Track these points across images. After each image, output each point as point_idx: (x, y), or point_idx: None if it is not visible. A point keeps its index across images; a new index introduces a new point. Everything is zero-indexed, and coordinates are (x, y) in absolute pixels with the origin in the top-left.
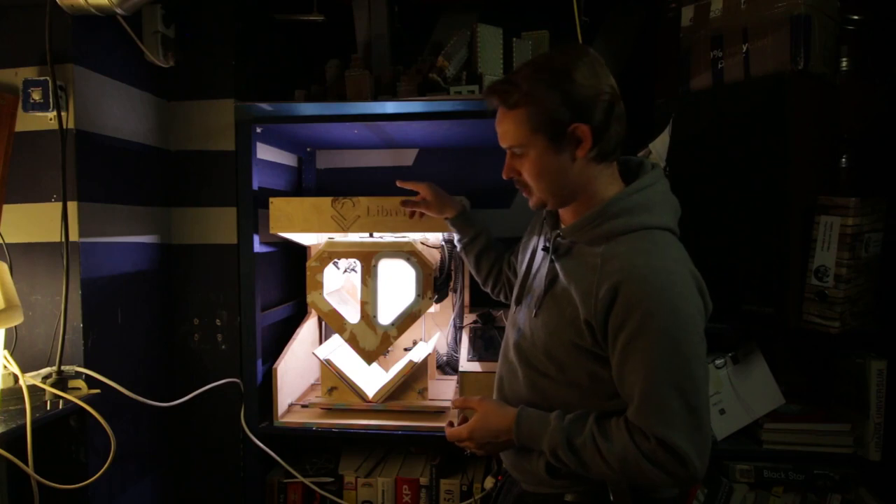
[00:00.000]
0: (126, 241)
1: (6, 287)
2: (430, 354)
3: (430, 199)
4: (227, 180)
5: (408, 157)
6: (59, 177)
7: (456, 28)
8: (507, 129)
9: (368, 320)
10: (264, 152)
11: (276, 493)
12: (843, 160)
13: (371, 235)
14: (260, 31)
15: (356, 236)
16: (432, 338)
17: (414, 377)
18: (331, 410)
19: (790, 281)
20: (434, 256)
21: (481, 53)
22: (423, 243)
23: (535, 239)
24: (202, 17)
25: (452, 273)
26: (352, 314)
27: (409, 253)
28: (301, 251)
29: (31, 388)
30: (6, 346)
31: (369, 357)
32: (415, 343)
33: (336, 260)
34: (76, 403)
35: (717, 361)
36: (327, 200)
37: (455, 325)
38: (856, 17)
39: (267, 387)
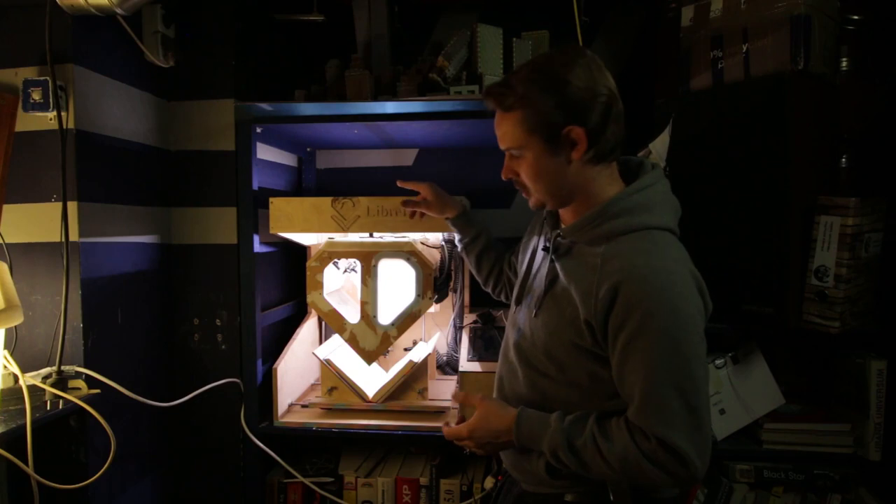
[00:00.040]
0: (126, 241)
1: (6, 287)
2: (430, 354)
3: (431, 199)
4: (227, 180)
5: (408, 157)
6: (59, 177)
7: (456, 28)
8: (504, 132)
9: (368, 320)
10: (264, 152)
11: (276, 493)
12: (843, 160)
13: (371, 235)
14: (260, 31)
15: (356, 236)
16: (432, 338)
17: (414, 377)
18: (331, 410)
19: (790, 281)
20: (434, 256)
21: (481, 53)
22: (423, 243)
23: (535, 239)
24: (202, 17)
25: (452, 273)
26: (352, 314)
27: (409, 253)
28: (301, 251)
29: (31, 388)
30: (6, 346)
31: (369, 357)
32: (415, 343)
33: (336, 260)
34: (76, 403)
35: (717, 361)
36: (327, 200)
37: (455, 325)
38: (856, 17)
39: (267, 387)
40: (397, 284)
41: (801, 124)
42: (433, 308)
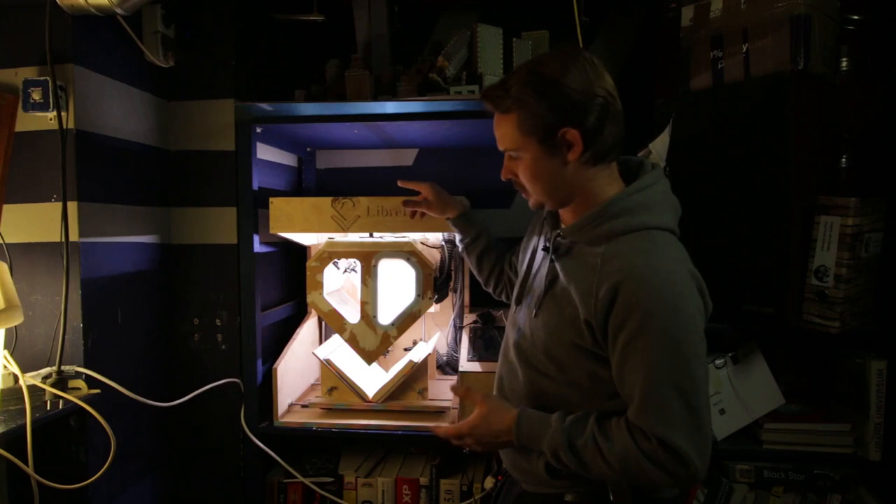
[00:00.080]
0: (126, 241)
1: (6, 287)
2: (430, 354)
3: (432, 199)
4: (227, 180)
5: (408, 157)
6: (59, 177)
7: (456, 28)
8: (502, 133)
9: (368, 320)
10: (264, 152)
11: (276, 493)
12: (843, 160)
13: (371, 235)
14: (260, 31)
15: (356, 236)
16: (432, 338)
17: (414, 377)
18: (331, 410)
19: (790, 281)
20: (434, 256)
21: (481, 53)
22: (423, 243)
23: (535, 239)
24: (202, 17)
25: (452, 273)
26: (352, 314)
27: (409, 253)
28: (301, 251)
29: (31, 388)
30: (6, 346)
31: (369, 357)
32: (415, 343)
33: (336, 260)
34: (76, 403)
35: (717, 361)
36: (327, 200)
37: (455, 325)
38: (856, 17)
39: (267, 387)
40: (397, 284)
41: (801, 124)
42: (433, 308)
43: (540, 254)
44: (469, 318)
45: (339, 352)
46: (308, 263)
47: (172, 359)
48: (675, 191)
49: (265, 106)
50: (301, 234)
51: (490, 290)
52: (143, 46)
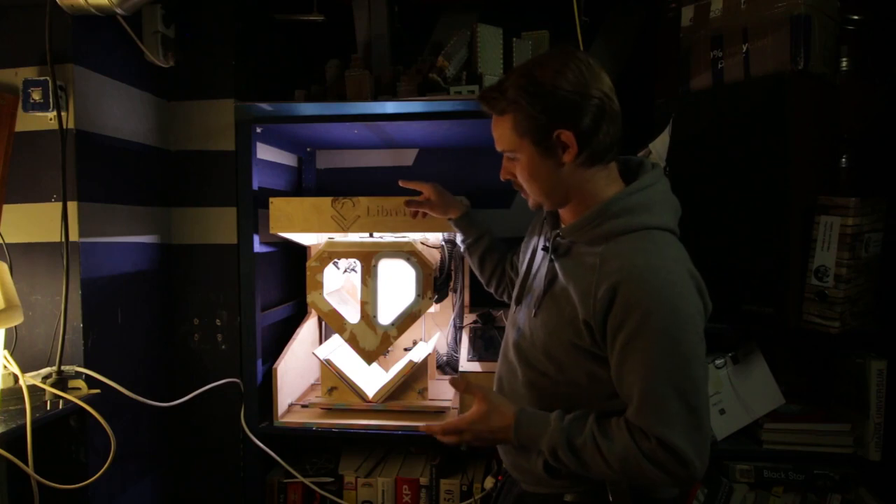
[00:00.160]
0: (126, 241)
1: (6, 287)
2: (430, 354)
3: (435, 199)
4: (227, 180)
5: (408, 157)
6: (59, 177)
7: (456, 28)
8: (499, 135)
9: (368, 320)
10: (264, 152)
11: (276, 493)
12: (843, 160)
13: (371, 235)
14: (260, 31)
15: (356, 236)
16: (432, 338)
17: (414, 377)
18: (331, 410)
19: (790, 281)
20: (434, 256)
21: (481, 53)
22: (423, 243)
23: (535, 239)
24: (202, 17)
25: (452, 273)
26: (352, 314)
27: (409, 253)
28: (301, 251)
29: (31, 388)
30: (6, 346)
31: (369, 357)
32: (415, 343)
33: (336, 260)
34: (76, 403)
35: (717, 361)
36: (327, 200)
37: (455, 325)
38: (856, 17)
39: (267, 387)
40: (397, 284)
41: (801, 124)
42: (433, 308)
43: (540, 254)
44: (469, 318)
45: (339, 352)
46: (308, 263)
47: (172, 359)
48: (675, 191)
49: (265, 106)
50: (301, 234)
51: (492, 290)
52: (143, 46)
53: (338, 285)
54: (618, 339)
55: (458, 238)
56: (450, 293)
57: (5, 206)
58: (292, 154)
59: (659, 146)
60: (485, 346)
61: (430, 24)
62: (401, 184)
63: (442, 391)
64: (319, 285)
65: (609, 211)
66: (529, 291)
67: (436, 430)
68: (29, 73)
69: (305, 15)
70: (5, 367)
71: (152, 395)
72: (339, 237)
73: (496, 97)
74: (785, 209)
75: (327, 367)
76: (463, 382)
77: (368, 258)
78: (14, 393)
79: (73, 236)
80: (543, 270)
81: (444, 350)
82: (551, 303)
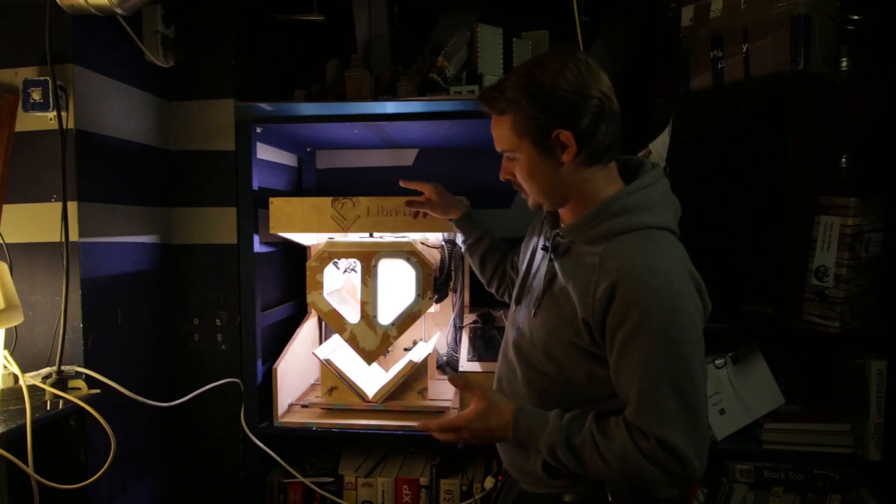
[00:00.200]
0: (126, 241)
1: (6, 287)
2: (430, 354)
3: (436, 199)
4: (227, 180)
5: (408, 157)
6: (59, 177)
7: (456, 28)
8: (498, 135)
9: (368, 320)
10: (264, 152)
11: (276, 493)
12: (843, 160)
13: (371, 235)
14: (260, 31)
15: (356, 236)
16: (432, 338)
17: (414, 377)
18: (331, 410)
19: (790, 281)
20: (434, 256)
21: (481, 53)
22: (423, 243)
23: (535, 238)
24: (202, 17)
25: (452, 273)
26: (352, 314)
27: (409, 253)
28: (301, 251)
29: (31, 388)
30: (6, 346)
31: (369, 357)
32: (415, 343)
33: (336, 260)
34: (76, 403)
35: (717, 361)
36: (327, 200)
37: (455, 325)
38: (856, 17)
39: (267, 387)
40: (397, 284)
41: (801, 124)
42: (433, 308)
43: (539, 253)
44: (469, 318)
45: (339, 352)
46: (308, 263)
47: (172, 359)
48: (675, 191)
49: (265, 106)
50: (301, 234)
51: (492, 290)
52: (143, 46)
53: (338, 285)
54: (616, 339)
55: (459, 238)
56: (450, 293)
57: (5, 206)
58: (292, 154)
59: (659, 146)
60: (485, 346)
61: (430, 24)
62: (401, 184)
63: (442, 391)
64: (319, 285)
65: (608, 210)
66: (529, 291)
67: (433, 428)
68: (29, 73)
69: (305, 15)
70: (5, 367)
71: (152, 395)
72: (339, 237)
73: (496, 97)
74: (785, 209)
75: (327, 367)
76: (462, 380)
77: (368, 258)
78: (14, 393)
79: (73, 236)
80: (543, 270)
81: (444, 350)
82: (551, 302)
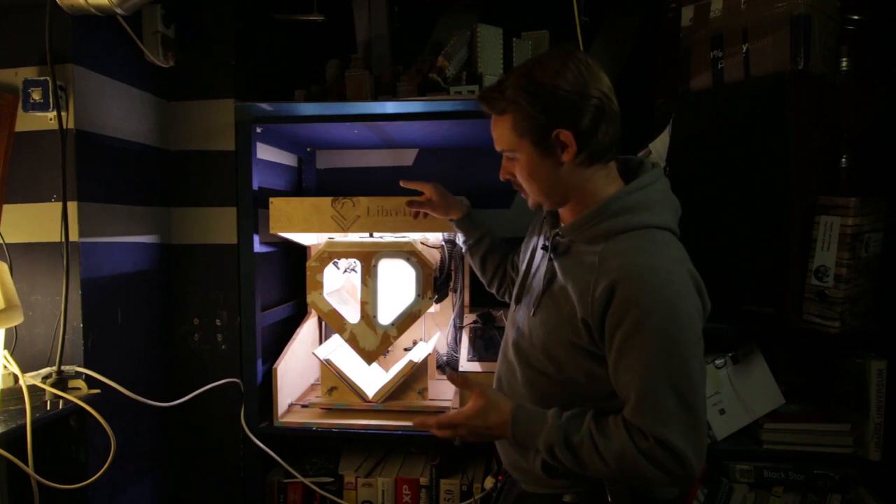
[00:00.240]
0: (126, 241)
1: (6, 287)
2: (430, 354)
3: (437, 199)
4: (227, 180)
5: (408, 157)
6: (59, 177)
7: (456, 28)
8: (498, 135)
9: (368, 320)
10: (264, 152)
11: (276, 493)
12: (843, 160)
13: (371, 235)
14: (260, 31)
15: (356, 236)
16: (432, 338)
17: (414, 377)
18: (331, 410)
19: (790, 281)
20: (434, 256)
21: (481, 53)
22: (423, 243)
23: (535, 238)
24: (202, 17)
25: (452, 273)
26: (352, 314)
27: (409, 253)
28: (301, 251)
29: (31, 388)
30: (6, 346)
31: (369, 357)
32: (415, 343)
33: (336, 260)
34: (76, 403)
35: (717, 361)
36: (327, 200)
37: (455, 325)
38: (856, 17)
39: (267, 387)
40: (397, 284)
41: (801, 124)
42: (433, 308)
43: (539, 253)
44: (469, 318)
45: (339, 352)
46: (308, 263)
47: (172, 359)
48: (675, 191)
49: (265, 106)
50: (301, 234)
51: (493, 291)
52: (143, 46)
53: (338, 285)
54: (616, 338)
55: (460, 239)
56: (450, 293)
57: (5, 206)
58: (292, 154)
59: (659, 146)
60: (485, 346)
61: (430, 24)
62: (402, 184)
63: (442, 391)
64: (319, 285)
65: (608, 210)
66: (528, 290)
67: (430, 424)
68: (29, 73)
69: (305, 15)
70: (5, 367)
71: (152, 395)
72: (339, 237)
73: (496, 97)
74: (785, 209)
75: (327, 367)
76: (460, 377)
77: (368, 258)
78: (14, 393)
79: (73, 236)
80: (542, 269)
81: (444, 350)
82: (550, 302)
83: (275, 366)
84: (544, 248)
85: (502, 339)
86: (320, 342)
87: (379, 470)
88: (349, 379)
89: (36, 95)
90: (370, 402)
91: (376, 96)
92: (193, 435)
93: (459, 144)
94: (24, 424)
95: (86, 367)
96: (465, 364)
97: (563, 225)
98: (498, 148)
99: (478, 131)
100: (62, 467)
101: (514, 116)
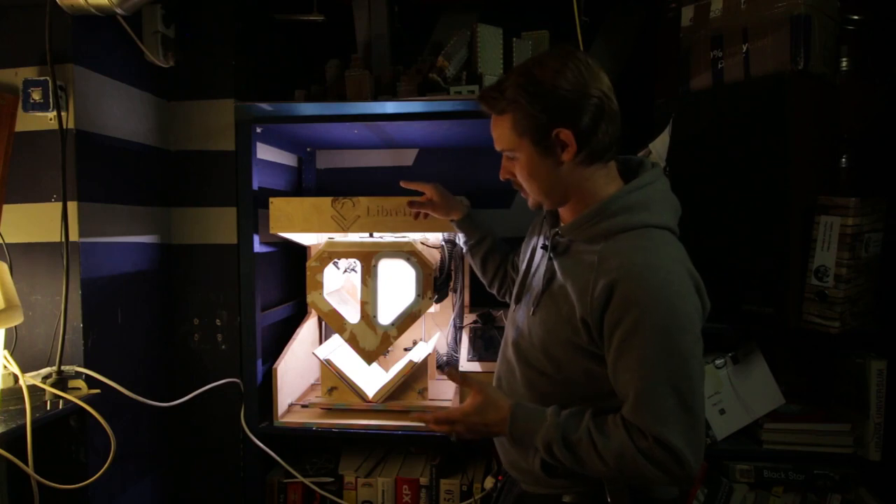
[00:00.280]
0: (126, 241)
1: (6, 287)
2: (429, 354)
3: (437, 200)
4: (227, 180)
5: (408, 157)
6: (59, 177)
7: (456, 28)
8: (498, 134)
9: (368, 320)
10: (264, 152)
11: (276, 493)
12: (843, 160)
13: (371, 235)
14: (260, 31)
15: (356, 236)
16: (432, 338)
17: (414, 377)
18: (331, 410)
19: (790, 281)
20: (434, 256)
21: (481, 53)
22: (423, 243)
23: (535, 238)
24: (202, 17)
25: (452, 273)
26: (352, 314)
27: (409, 253)
28: (301, 251)
29: (31, 388)
30: (6, 346)
31: (369, 357)
32: (415, 343)
33: (336, 260)
34: (76, 403)
35: (717, 361)
36: (327, 200)
37: (455, 325)
38: (856, 17)
39: (267, 387)
40: (397, 284)
41: (801, 124)
42: (433, 308)
43: (539, 252)
44: (469, 318)
45: (339, 352)
46: (308, 263)
47: (172, 359)
48: (675, 191)
49: (265, 106)
50: (301, 234)
51: (493, 291)
52: (143, 46)
53: (338, 285)
54: (615, 337)
55: (461, 239)
56: (450, 293)
57: (5, 206)
58: (292, 154)
59: (659, 146)
60: (485, 346)
61: (430, 24)
62: (402, 184)
63: (442, 391)
64: (319, 285)
65: (608, 209)
66: (528, 290)
67: (428, 420)
68: (29, 73)
69: (305, 15)
70: (5, 367)
71: (152, 395)
72: (339, 237)
73: (495, 97)
74: (785, 209)
75: (327, 367)
76: (459, 375)
77: (368, 258)
78: (14, 393)
79: (73, 236)
80: (542, 269)
81: (444, 350)
82: (550, 301)
83: (275, 366)
84: (544, 247)
85: (502, 339)
86: (320, 342)
87: (379, 470)
88: (349, 379)
89: (36, 95)
90: (370, 402)
91: (376, 96)
92: (193, 435)
93: (459, 144)
94: (24, 424)
95: (86, 367)
96: (465, 364)
97: (562, 224)
98: (498, 147)
99: (478, 131)
100: (62, 467)
101: (514, 116)
